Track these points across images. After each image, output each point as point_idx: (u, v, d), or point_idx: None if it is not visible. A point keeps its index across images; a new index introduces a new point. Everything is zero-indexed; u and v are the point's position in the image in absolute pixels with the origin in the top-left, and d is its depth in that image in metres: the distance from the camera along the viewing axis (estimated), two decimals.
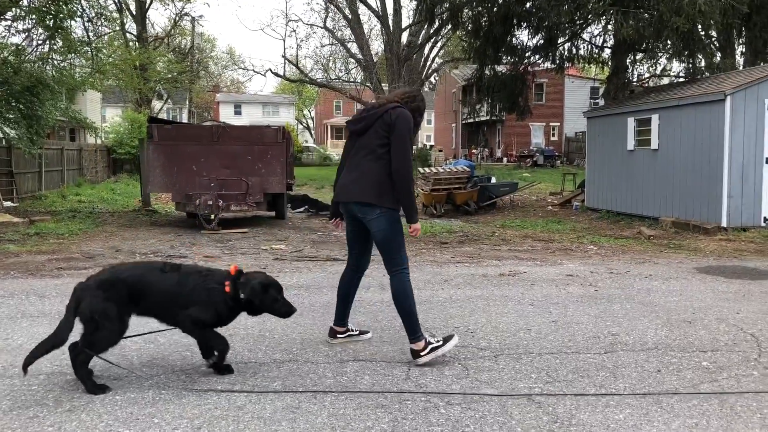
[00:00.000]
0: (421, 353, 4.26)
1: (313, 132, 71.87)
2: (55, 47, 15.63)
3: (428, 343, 4.29)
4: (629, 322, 5.39)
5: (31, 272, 7.83)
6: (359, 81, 35.39)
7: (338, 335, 4.77)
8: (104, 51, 17.91)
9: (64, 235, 11.34)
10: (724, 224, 11.34)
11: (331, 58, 36.96)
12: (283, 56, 33.91)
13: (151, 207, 16.35)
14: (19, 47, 15.04)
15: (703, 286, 6.97)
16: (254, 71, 42.62)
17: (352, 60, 34.14)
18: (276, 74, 33.71)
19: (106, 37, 22.42)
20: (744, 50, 20.36)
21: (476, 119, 37.50)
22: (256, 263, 8.57)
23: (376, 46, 36.77)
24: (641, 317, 5.54)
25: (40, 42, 16.11)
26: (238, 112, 63.49)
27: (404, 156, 4.27)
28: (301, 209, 16.64)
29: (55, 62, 15.95)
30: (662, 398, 3.72)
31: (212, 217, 12.14)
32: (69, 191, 21.65)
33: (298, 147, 43.25)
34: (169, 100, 44.90)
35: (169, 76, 30.39)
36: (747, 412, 3.53)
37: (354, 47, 32.39)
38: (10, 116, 14.00)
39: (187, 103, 48.87)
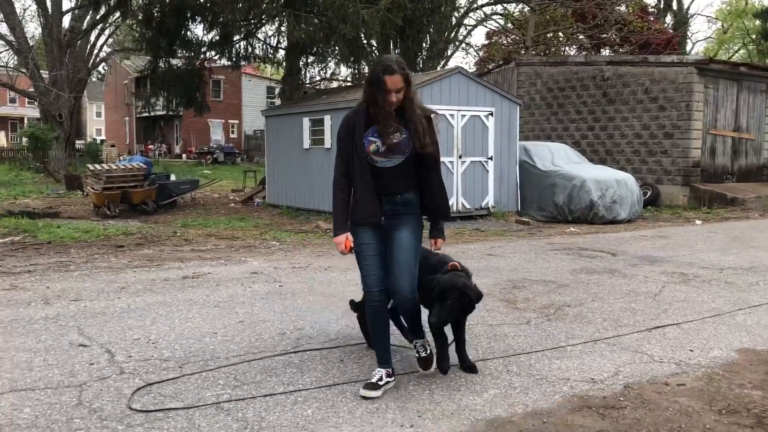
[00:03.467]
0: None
1: None
2: None
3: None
4: (313, 315, 5.56)
5: None
6: (12, 66, 31.07)
7: None
8: None
9: None
10: None
11: None
12: None
13: None
14: None
15: None
16: None
17: (2, 42, 29.82)
18: None
19: None
20: None
21: (152, 113, 35.76)
22: None
23: (32, 28, 32.71)
24: (324, 309, 5.76)
25: None
26: None
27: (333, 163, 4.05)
28: None
29: None
30: (346, 387, 3.89)
31: None
32: None
33: None
34: None
35: None
36: (418, 389, 3.88)
37: (3, 27, 28.32)
38: None
39: None
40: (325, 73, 21.70)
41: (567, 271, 7.81)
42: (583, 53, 30.63)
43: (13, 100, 57.23)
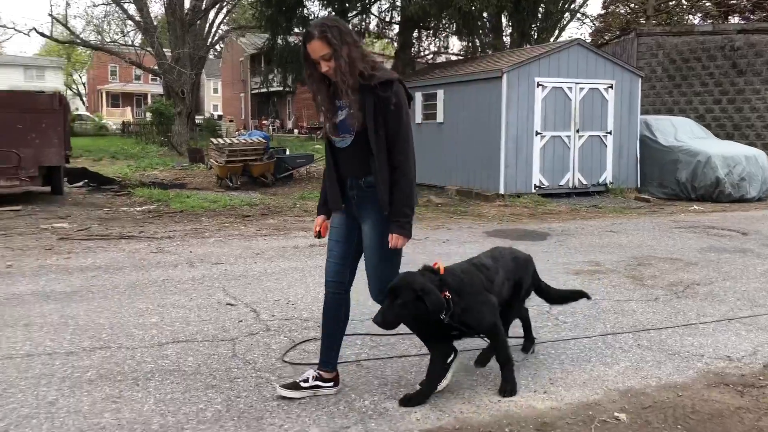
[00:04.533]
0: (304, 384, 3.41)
1: (85, 99, 65.82)
2: None
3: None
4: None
5: None
6: (138, 45, 33.01)
7: None
8: None
9: None
10: (501, 191, 12.44)
11: (105, 19, 33.96)
12: (50, 14, 30.51)
13: None
14: None
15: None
16: (15, 29, 37.49)
17: (130, 22, 31.70)
18: (42, 34, 30.24)
19: None
20: (511, 31, 22.34)
21: (268, 89, 37.00)
22: (38, 243, 7.73)
23: (157, 8, 34.54)
24: None
25: None
26: None
27: None
28: (80, 183, 15.23)
29: None
30: (476, 354, 4.02)
31: None
32: None
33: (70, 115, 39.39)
34: None
35: None
36: (548, 359, 3.96)
37: (132, 8, 30.10)
38: None
39: None
40: (438, 46, 21.68)
41: (694, 249, 7.56)
42: (710, 21, 28.84)
43: (138, 78, 60.88)
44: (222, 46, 50.12)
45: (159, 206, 11.28)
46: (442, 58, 23.65)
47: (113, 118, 52.04)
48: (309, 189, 14.95)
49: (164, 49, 29.08)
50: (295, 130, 43.48)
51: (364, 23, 18.39)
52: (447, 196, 12.96)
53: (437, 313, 3.21)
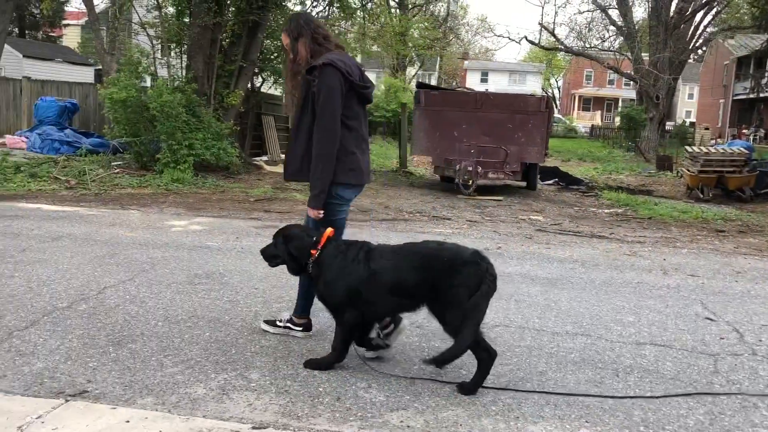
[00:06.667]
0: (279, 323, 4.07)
1: (558, 102, 69.72)
2: (333, 13, 16.86)
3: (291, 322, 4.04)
4: None
5: None
6: (617, 49, 33.36)
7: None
8: (380, 18, 18.87)
9: None
10: None
11: (588, 25, 35.28)
12: (540, 23, 33.10)
13: (407, 169, 17.13)
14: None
15: None
16: (509, 38, 42.37)
17: (612, 28, 32.23)
18: (531, 42, 33.10)
19: (369, 3, 23.55)
20: None
21: (759, 94, 33.44)
22: (519, 232, 8.60)
23: (639, 13, 34.30)
24: None
25: (318, 7, 17.42)
26: (484, 80, 63.46)
27: None
28: (551, 182, 16.28)
29: (332, 28, 17.19)
30: None
31: (470, 183, 12.38)
32: None
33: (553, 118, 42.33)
34: (420, 67, 46.32)
35: (428, 41, 31.33)
36: None
37: (615, 13, 30.57)
38: None
39: (437, 69, 50.09)
40: None
41: None
42: None
43: (611, 82, 61.56)
44: (704, 49, 47.11)
45: (626, 210, 11.36)
46: None
47: (583, 121, 53.91)
48: None
49: (642, 54, 28.80)
50: None
51: None
52: None
53: (293, 260, 3.56)
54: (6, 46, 23.13)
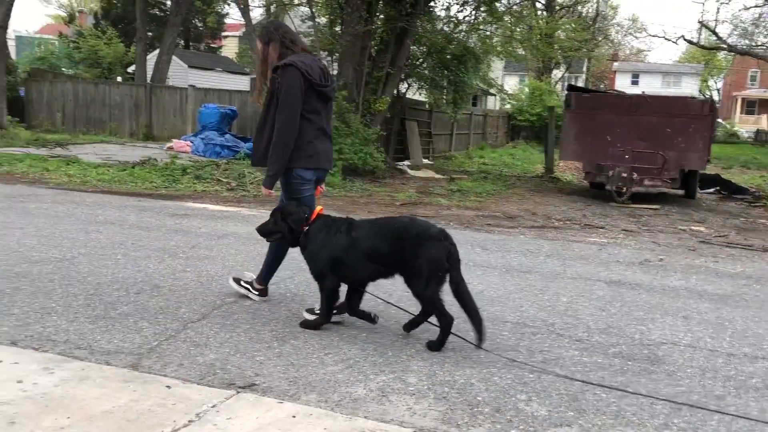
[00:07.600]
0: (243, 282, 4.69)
1: (718, 105, 64.86)
2: (481, 17, 16.71)
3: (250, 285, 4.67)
4: None
5: (465, 225, 8.62)
6: None
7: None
8: (525, 20, 18.50)
9: (481, 194, 12.24)
10: None
11: (755, 22, 32.51)
12: (700, 21, 31.01)
13: (554, 174, 16.64)
14: (454, 18, 16.39)
15: None
16: (664, 38, 39.87)
17: None
18: (689, 41, 31.04)
19: (515, 6, 23.11)
20: None
21: None
22: (680, 243, 8.05)
23: None
24: None
25: (465, 12, 17.33)
26: (635, 82, 60.32)
27: None
28: (711, 190, 15.14)
29: (479, 31, 17.04)
30: None
31: (624, 190, 11.78)
32: (474, 153, 23.41)
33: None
34: (567, 69, 44.94)
35: (576, 43, 30.34)
36: None
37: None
38: (443, 83, 15.50)
39: (584, 71, 48.36)
40: None
41: None
42: None
43: None
44: None
45: None
46: None
47: (746, 125, 49.83)
48: None
49: None
50: None
51: None
52: None
53: (291, 232, 4.08)
54: (173, 57, 25.14)
